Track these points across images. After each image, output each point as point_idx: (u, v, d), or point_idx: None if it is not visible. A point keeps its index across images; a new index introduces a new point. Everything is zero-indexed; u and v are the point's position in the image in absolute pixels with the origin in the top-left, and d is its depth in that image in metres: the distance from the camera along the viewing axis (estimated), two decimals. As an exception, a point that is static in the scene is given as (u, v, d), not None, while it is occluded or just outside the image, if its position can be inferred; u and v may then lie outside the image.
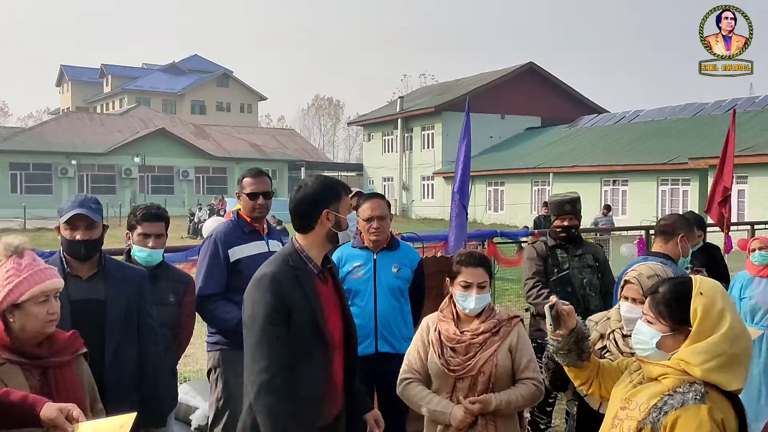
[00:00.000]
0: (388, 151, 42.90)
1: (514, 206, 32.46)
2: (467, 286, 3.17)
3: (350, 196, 5.01)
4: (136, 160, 40.69)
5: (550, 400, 4.98)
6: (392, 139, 42.43)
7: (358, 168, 47.97)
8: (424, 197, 39.68)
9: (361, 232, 4.19)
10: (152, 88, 63.91)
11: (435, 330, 3.22)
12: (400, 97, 44.58)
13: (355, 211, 4.43)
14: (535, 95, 38.68)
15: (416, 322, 4.26)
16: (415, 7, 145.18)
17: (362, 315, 4.01)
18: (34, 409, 2.25)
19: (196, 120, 55.12)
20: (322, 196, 2.83)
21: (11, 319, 2.53)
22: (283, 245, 4.14)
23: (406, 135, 40.96)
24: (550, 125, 37.98)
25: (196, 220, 27.28)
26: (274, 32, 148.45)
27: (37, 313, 2.53)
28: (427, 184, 39.58)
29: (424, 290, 4.29)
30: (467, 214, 6.71)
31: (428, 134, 39.53)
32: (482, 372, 3.08)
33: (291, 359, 2.69)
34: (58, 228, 3.21)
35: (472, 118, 6.76)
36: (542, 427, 5.05)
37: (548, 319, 2.61)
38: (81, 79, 71.48)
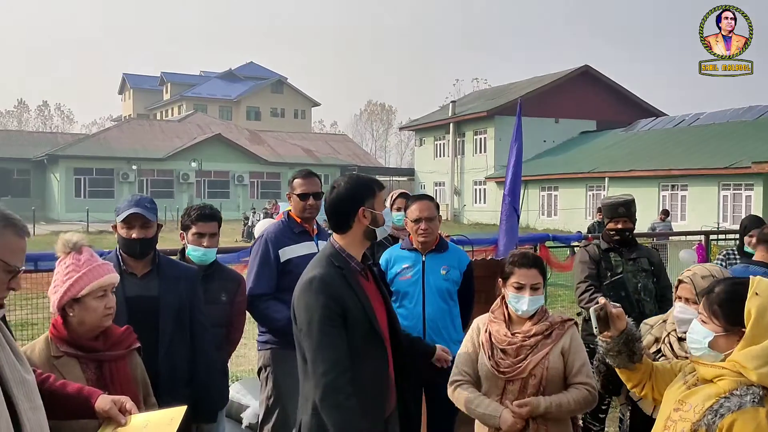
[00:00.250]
0: (440, 156, 42.80)
1: (569, 211, 31.95)
2: (520, 288, 3.11)
3: (395, 197, 5.04)
4: (193, 165, 41.61)
5: (603, 407, 4.88)
6: (444, 143, 42.31)
7: (410, 173, 47.99)
8: (476, 202, 39.43)
9: (409, 234, 4.19)
10: (209, 95, 65.28)
11: (486, 331, 3.17)
12: (452, 102, 44.41)
13: (403, 212, 4.44)
14: (590, 98, 38.06)
15: (465, 325, 4.23)
16: (468, 11, 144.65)
17: (410, 317, 4.01)
18: (89, 400, 2.31)
19: (251, 126, 56.06)
20: (358, 194, 2.83)
21: (71, 313, 2.62)
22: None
23: (458, 139, 40.79)
24: (605, 129, 37.30)
25: (250, 223, 27.70)
26: (328, 39, 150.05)
27: (95, 307, 2.62)
28: (479, 189, 39.31)
29: (473, 293, 4.25)
30: (518, 217, 6.64)
31: (480, 138, 39.28)
32: (533, 375, 3.02)
33: (351, 358, 2.69)
34: (114, 227, 3.31)
35: (525, 122, 6.70)
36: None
37: (593, 321, 2.57)
38: (142, 87, 73.57)
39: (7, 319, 5.95)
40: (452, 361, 3.53)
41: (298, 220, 4.13)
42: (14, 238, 1.99)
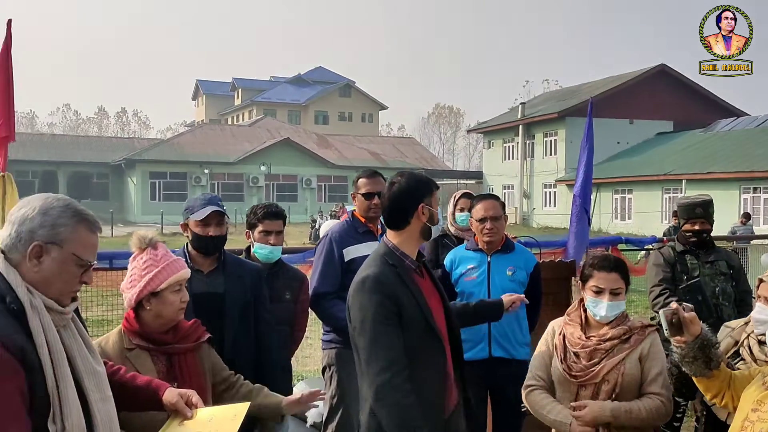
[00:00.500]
0: (509, 159, 42.29)
1: (643, 215, 31.03)
2: (599, 292, 2.97)
3: (458, 197, 4.98)
4: (263, 168, 42.42)
5: (678, 414, 4.68)
6: (513, 146, 41.78)
7: (478, 176, 47.60)
8: (545, 205, 38.76)
9: (474, 234, 4.12)
10: (279, 100, 66.50)
11: (560, 334, 3.07)
12: (521, 103, 43.84)
13: (467, 212, 4.37)
14: (666, 98, 36.86)
15: (532, 327, 4.13)
16: (539, 11, 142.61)
17: (475, 318, 3.94)
18: (157, 393, 2.36)
19: (319, 130, 56.79)
20: (418, 191, 2.82)
21: (147, 307, 2.68)
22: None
23: (528, 142, 40.21)
24: (683, 130, 36.05)
25: (317, 226, 28.03)
26: (396, 42, 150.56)
27: (173, 301, 2.68)
28: (549, 192, 38.64)
29: (540, 294, 4.15)
30: (590, 219, 6.47)
31: (551, 141, 38.62)
32: (606, 380, 2.88)
33: (408, 357, 2.64)
34: (184, 225, 3.37)
35: (597, 123, 6.55)
36: None
37: (663, 324, 2.47)
38: (214, 92, 75.61)
39: (84, 316, 6.19)
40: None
41: (363, 220, 4.12)
42: (87, 234, 2.04)
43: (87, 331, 2.18)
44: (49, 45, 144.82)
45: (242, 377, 2.90)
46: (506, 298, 3.63)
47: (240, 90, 71.61)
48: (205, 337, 2.84)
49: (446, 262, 4.15)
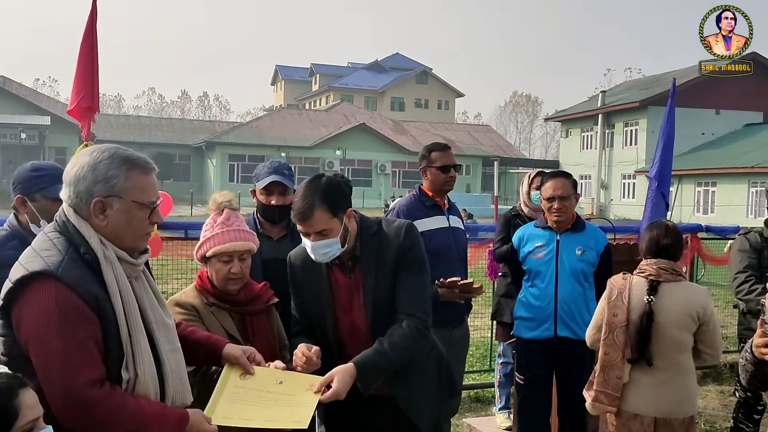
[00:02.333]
0: (587, 148, 41.24)
1: (726, 208, 29.75)
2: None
3: (533, 176, 4.88)
4: (338, 153, 42.82)
5: (759, 407, 4.49)
6: (591, 135, 40.71)
7: (554, 165, 46.52)
8: (624, 197, 37.65)
9: (544, 212, 4.04)
10: (356, 86, 66.82)
11: None
12: (602, 92, 42.63)
13: (537, 191, 4.29)
14: (757, 88, 35.03)
15: (600, 309, 4.03)
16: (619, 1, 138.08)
17: (542, 297, 3.89)
18: (217, 348, 2.39)
19: (395, 116, 56.80)
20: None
21: (206, 268, 2.77)
22: (462, 222, 4.13)
23: (607, 131, 39.09)
24: (774, 121, 34.31)
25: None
26: (474, 29, 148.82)
27: (219, 269, 2.73)
28: (628, 183, 37.49)
29: (610, 276, 4.03)
30: (667, 205, 6.24)
31: (631, 130, 37.41)
32: None
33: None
34: (253, 191, 3.43)
35: (681, 113, 6.37)
36: None
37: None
38: (293, 78, 76.63)
39: (163, 289, 6.40)
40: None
41: (430, 194, 4.09)
42: (141, 177, 2.04)
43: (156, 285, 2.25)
44: (136, 31, 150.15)
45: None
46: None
47: (318, 76, 72.34)
48: (274, 300, 2.90)
49: (514, 239, 4.10)
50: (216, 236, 2.74)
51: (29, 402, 1.60)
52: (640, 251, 3.55)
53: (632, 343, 3.31)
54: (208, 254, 2.73)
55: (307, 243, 2.61)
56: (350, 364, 2.45)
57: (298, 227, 2.62)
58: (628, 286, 3.38)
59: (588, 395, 3.46)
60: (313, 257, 2.61)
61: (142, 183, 2.04)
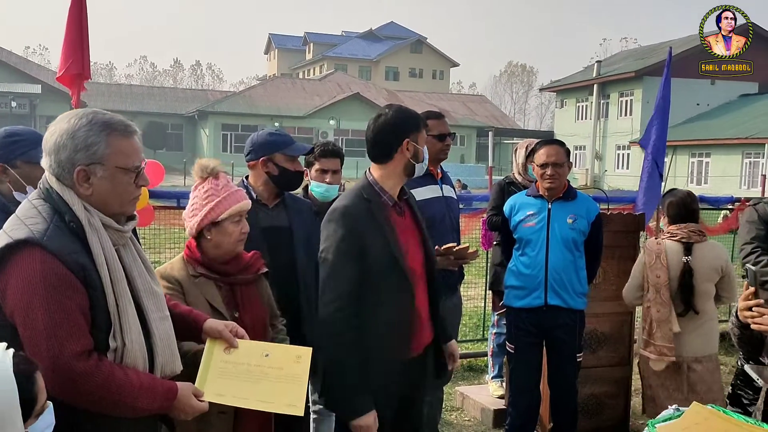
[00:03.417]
0: (582, 119, 41.10)
1: (720, 179, 29.81)
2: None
3: (531, 147, 4.84)
4: (332, 123, 42.64)
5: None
6: (586, 105, 40.55)
7: (549, 135, 46.33)
8: (618, 167, 37.65)
9: (535, 181, 4.02)
10: (350, 55, 66.25)
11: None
12: (597, 62, 42.32)
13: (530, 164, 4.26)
14: (752, 59, 34.80)
15: (590, 279, 4.04)
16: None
17: (532, 266, 3.88)
18: (197, 323, 2.34)
19: (389, 86, 56.44)
20: (405, 125, 2.74)
21: (208, 236, 2.69)
22: (454, 191, 4.11)
23: (602, 102, 38.94)
24: (769, 92, 34.19)
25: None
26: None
27: (232, 231, 2.68)
28: (622, 154, 37.47)
29: (601, 245, 4.04)
30: (661, 174, 6.24)
31: (626, 101, 37.27)
32: None
33: (371, 294, 2.63)
34: (265, 160, 3.37)
35: (677, 83, 6.27)
36: (744, 402, 4.58)
37: (750, 281, 2.40)
38: (286, 46, 75.87)
39: (156, 259, 6.38)
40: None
41: (423, 163, 4.05)
42: (122, 141, 1.99)
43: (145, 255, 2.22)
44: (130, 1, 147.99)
45: (284, 326, 2.90)
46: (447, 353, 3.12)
47: (312, 44, 71.63)
48: (264, 269, 2.88)
49: (505, 207, 4.08)
50: (228, 198, 2.69)
51: (41, 384, 1.62)
52: (663, 217, 4.10)
53: (680, 298, 3.90)
54: (222, 217, 2.67)
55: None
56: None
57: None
58: (664, 250, 3.92)
59: (649, 352, 3.96)
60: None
61: (124, 147, 2.00)
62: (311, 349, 2.40)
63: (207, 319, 2.36)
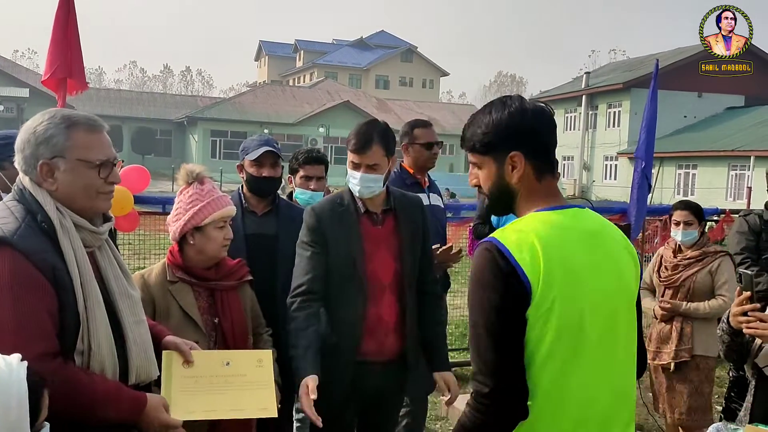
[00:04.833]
0: (570, 129, 41.29)
1: (707, 191, 30.00)
2: (677, 224, 4.29)
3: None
4: (321, 130, 42.63)
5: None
6: (575, 116, 40.77)
7: (538, 146, 46.82)
8: (606, 178, 37.85)
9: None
10: (340, 63, 66.39)
11: (659, 255, 4.51)
12: (586, 73, 42.60)
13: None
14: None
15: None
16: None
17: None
18: (158, 337, 2.32)
19: (379, 94, 56.55)
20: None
21: (191, 241, 2.68)
22: (441, 199, 4.09)
23: (590, 113, 39.18)
24: (755, 105, 34.48)
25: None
26: (461, 7, 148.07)
27: (215, 237, 2.68)
28: (610, 165, 37.67)
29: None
30: (649, 186, 6.26)
31: (614, 112, 37.51)
32: (683, 285, 4.27)
33: (329, 287, 2.82)
34: (240, 166, 3.36)
35: (664, 95, 6.33)
36: (739, 414, 4.56)
37: (745, 285, 2.38)
38: (276, 53, 75.96)
39: (141, 264, 6.32)
40: None
41: (411, 171, 4.04)
42: (85, 135, 1.98)
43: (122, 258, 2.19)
44: (120, 4, 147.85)
45: (271, 336, 2.91)
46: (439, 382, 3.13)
47: (302, 52, 71.75)
48: (248, 277, 2.85)
49: (493, 217, 4.05)
50: (211, 203, 2.69)
51: (46, 401, 1.62)
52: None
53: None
54: (205, 222, 2.67)
55: (355, 175, 2.80)
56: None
57: (353, 159, 2.82)
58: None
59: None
60: (357, 189, 2.81)
61: (87, 141, 1.97)
62: (271, 351, 2.43)
63: (168, 335, 2.34)
